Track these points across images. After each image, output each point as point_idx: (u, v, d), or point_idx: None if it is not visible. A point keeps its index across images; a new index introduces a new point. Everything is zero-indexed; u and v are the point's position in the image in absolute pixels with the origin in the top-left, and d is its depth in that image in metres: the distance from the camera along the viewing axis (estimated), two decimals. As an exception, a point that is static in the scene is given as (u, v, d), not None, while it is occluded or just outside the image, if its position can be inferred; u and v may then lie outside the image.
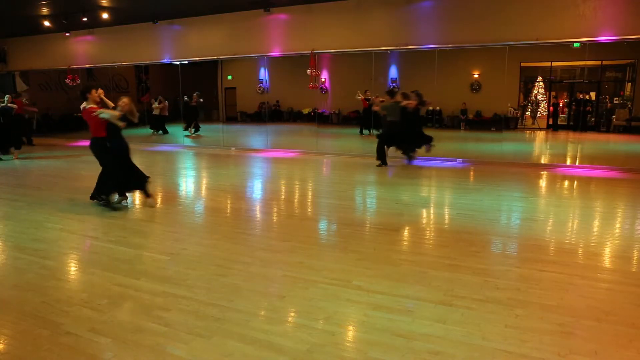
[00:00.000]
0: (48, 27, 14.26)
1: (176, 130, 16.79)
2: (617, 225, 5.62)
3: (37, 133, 17.18)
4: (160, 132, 17.19)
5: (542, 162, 10.84)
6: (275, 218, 6.18)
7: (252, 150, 13.01)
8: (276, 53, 12.43)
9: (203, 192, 8.04)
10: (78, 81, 16.03)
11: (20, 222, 5.84)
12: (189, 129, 16.40)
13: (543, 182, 8.28)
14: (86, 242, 5.13)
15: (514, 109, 16.78)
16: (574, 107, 15.92)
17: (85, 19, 13.06)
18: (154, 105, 17.09)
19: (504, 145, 12.40)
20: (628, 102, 15.49)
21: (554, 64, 16.67)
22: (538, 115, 17.37)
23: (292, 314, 3.35)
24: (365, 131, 15.27)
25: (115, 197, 6.59)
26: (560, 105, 17.43)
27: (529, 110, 17.57)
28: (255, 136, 16.93)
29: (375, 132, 14.65)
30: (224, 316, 3.29)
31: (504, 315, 3.26)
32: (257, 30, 12.55)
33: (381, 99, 10.09)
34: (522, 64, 16.15)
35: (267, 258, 4.50)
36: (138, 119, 6.56)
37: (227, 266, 4.26)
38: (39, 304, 3.53)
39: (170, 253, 4.64)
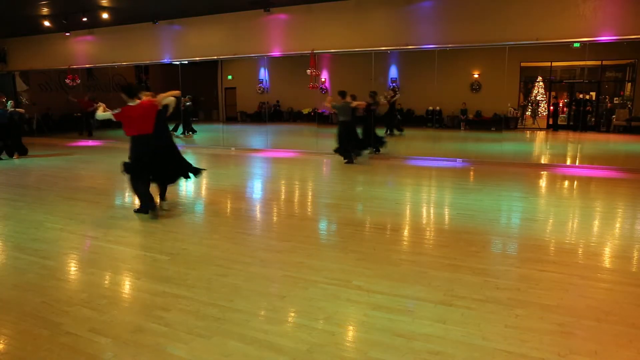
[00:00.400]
0: (48, 27, 14.26)
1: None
2: (617, 225, 5.62)
3: (37, 133, 17.21)
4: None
5: (542, 162, 10.84)
6: (275, 218, 6.18)
7: (252, 150, 13.01)
8: (276, 53, 12.44)
9: (203, 192, 8.04)
10: (78, 81, 16.04)
11: (20, 222, 5.84)
12: (177, 131, 16.55)
13: (543, 182, 8.28)
14: (86, 242, 5.13)
15: (514, 109, 16.78)
16: (574, 107, 15.91)
17: (85, 19, 13.06)
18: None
19: (504, 145, 12.41)
20: (628, 102, 15.49)
21: (554, 64, 16.67)
22: (538, 115, 17.38)
23: (292, 314, 3.35)
24: (395, 132, 15.30)
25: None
26: (560, 105, 17.44)
27: (529, 110, 17.58)
28: (255, 136, 16.93)
29: (397, 132, 14.95)
30: (224, 316, 3.29)
31: (504, 315, 3.26)
32: (257, 30, 12.55)
33: (330, 99, 10.52)
34: (522, 64, 16.15)
35: (267, 258, 4.50)
36: None
37: (227, 266, 4.26)
38: (39, 304, 3.53)
39: (170, 253, 4.64)
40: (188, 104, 16.20)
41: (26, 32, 15.85)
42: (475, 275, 3.95)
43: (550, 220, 5.74)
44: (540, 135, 16.48)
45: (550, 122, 16.78)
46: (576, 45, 10.05)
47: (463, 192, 7.40)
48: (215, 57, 13.82)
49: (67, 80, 15.85)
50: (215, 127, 18.35)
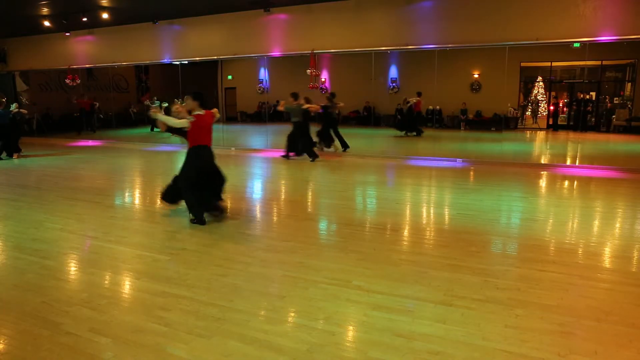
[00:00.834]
0: (48, 27, 14.26)
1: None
2: (617, 225, 5.62)
3: (37, 133, 17.21)
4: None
5: (542, 162, 10.84)
6: (275, 218, 6.18)
7: (252, 150, 13.01)
8: (276, 53, 12.44)
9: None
10: (78, 81, 16.04)
11: (20, 222, 5.84)
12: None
13: (543, 182, 8.28)
14: (86, 242, 5.13)
15: (514, 109, 16.79)
16: (574, 107, 15.91)
17: (85, 19, 13.07)
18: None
19: (504, 145, 12.42)
20: (628, 102, 15.49)
21: (554, 64, 16.67)
22: (538, 115, 17.39)
23: (292, 314, 3.34)
24: (411, 132, 15.43)
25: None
26: (560, 105, 17.44)
27: (529, 110, 17.59)
28: (255, 136, 16.94)
29: (412, 133, 15.13)
30: (224, 316, 3.29)
31: (504, 315, 3.26)
32: (257, 30, 12.55)
33: (283, 102, 10.86)
34: (522, 64, 16.16)
35: (267, 258, 4.50)
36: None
37: (227, 266, 4.26)
38: (39, 304, 3.53)
39: (170, 253, 4.65)
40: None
41: (26, 32, 15.85)
42: (475, 275, 3.95)
43: (550, 220, 5.74)
44: (540, 135, 16.48)
45: (550, 122, 16.79)
46: (576, 45, 10.06)
47: (463, 192, 7.40)
48: (215, 57, 13.82)
49: (67, 80, 15.85)
50: (215, 127, 18.30)
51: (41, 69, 16.79)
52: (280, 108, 10.82)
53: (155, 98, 17.56)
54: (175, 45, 14.01)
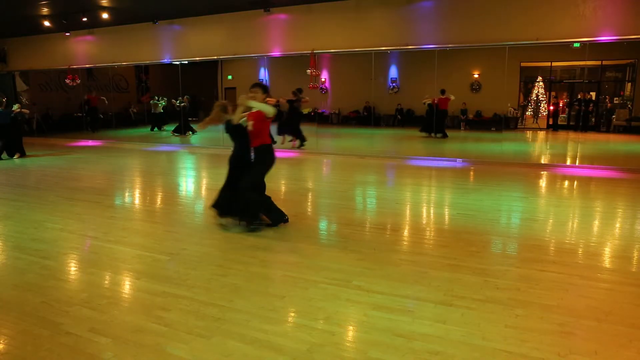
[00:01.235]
0: (48, 27, 14.26)
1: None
2: (617, 225, 5.62)
3: (37, 133, 17.21)
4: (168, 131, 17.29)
5: (542, 162, 10.84)
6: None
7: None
8: (276, 53, 12.44)
9: (203, 192, 8.04)
10: (78, 81, 16.05)
11: (20, 222, 5.84)
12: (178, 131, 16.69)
13: (543, 182, 8.28)
14: (86, 242, 5.13)
15: (514, 109, 16.79)
16: (576, 107, 15.91)
17: (85, 19, 13.06)
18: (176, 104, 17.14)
19: (504, 145, 12.41)
20: (628, 102, 15.49)
21: (554, 64, 16.68)
22: (538, 114, 17.39)
23: (292, 314, 3.34)
24: (432, 133, 14.88)
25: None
26: (561, 105, 17.45)
27: (529, 110, 17.59)
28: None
29: (437, 135, 14.64)
30: (224, 316, 3.29)
31: (504, 315, 3.26)
32: (257, 30, 12.55)
33: (244, 96, 11.06)
34: (522, 64, 16.16)
35: (267, 258, 4.50)
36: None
37: (227, 266, 4.26)
38: (39, 304, 3.53)
39: (170, 253, 4.64)
40: (183, 104, 16.24)
41: (26, 32, 15.85)
42: (475, 275, 3.95)
43: (550, 220, 5.74)
44: (540, 135, 16.48)
45: (550, 122, 16.80)
46: (576, 45, 10.06)
47: (463, 192, 7.40)
48: (215, 57, 13.82)
49: (67, 80, 15.86)
50: (215, 127, 18.33)
51: (41, 69, 16.79)
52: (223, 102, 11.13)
53: (157, 98, 17.56)
54: (175, 45, 14.01)
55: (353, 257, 4.45)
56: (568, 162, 10.42)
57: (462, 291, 3.64)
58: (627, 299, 3.51)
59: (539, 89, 17.32)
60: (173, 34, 13.99)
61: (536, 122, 17.38)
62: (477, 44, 10.48)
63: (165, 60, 14.33)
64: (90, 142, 15.52)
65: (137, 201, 7.31)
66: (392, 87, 18.25)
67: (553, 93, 17.40)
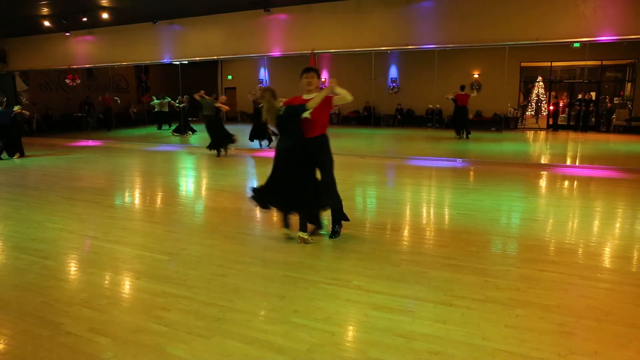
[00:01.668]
0: (48, 27, 14.26)
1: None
2: (617, 225, 5.62)
3: (37, 133, 17.21)
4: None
5: (542, 162, 10.84)
6: (275, 218, 6.17)
7: (251, 150, 13.01)
8: (276, 53, 12.44)
9: (203, 192, 8.05)
10: (78, 81, 16.06)
11: (20, 222, 5.84)
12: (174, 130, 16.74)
13: (543, 182, 8.28)
14: (86, 242, 5.13)
15: (514, 109, 16.79)
16: (576, 107, 15.91)
17: (85, 19, 13.07)
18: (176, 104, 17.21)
19: (504, 145, 12.41)
20: (628, 102, 15.49)
21: (554, 64, 16.68)
22: (539, 115, 17.39)
23: (292, 314, 3.34)
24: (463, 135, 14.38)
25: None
26: (561, 105, 17.44)
27: (529, 110, 17.58)
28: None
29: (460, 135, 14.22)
30: (224, 316, 3.29)
31: (504, 315, 3.26)
32: (257, 30, 12.55)
33: (202, 92, 11.73)
34: (522, 64, 16.15)
35: (267, 258, 4.50)
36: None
37: (227, 266, 4.26)
38: (39, 304, 3.53)
39: (170, 253, 4.64)
40: (183, 104, 16.24)
41: (26, 32, 15.85)
42: (475, 275, 3.95)
43: (550, 220, 5.74)
44: (540, 135, 16.48)
45: (550, 122, 16.79)
46: (576, 45, 10.06)
47: (463, 192, 7.40)
48: (215, 57, 13.83)
49: (67, 80, 15.87)
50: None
51: (41, 69, 16.80)
52: (196, 97, 11.72)
53: (161, 96, 17.57)
54: (175, 45, 14.01)
55: (353, 257, 4.45)
56: (568, 162, 10.42)
57: (462, 291, 3.64)
58: (627, 299, 3.51)
59: (539, 89, 17.32)
60: (173, 34, 13.99)
61: (536, 122, 17.38)
62: (477, 44, 10.48)
63: (165, 60, 14.34)
64: (90, 142, 15.52)
65: (137, 201, 7.31)
66: (392, 87, 18.24)
67: (553, 93, 17.39)
